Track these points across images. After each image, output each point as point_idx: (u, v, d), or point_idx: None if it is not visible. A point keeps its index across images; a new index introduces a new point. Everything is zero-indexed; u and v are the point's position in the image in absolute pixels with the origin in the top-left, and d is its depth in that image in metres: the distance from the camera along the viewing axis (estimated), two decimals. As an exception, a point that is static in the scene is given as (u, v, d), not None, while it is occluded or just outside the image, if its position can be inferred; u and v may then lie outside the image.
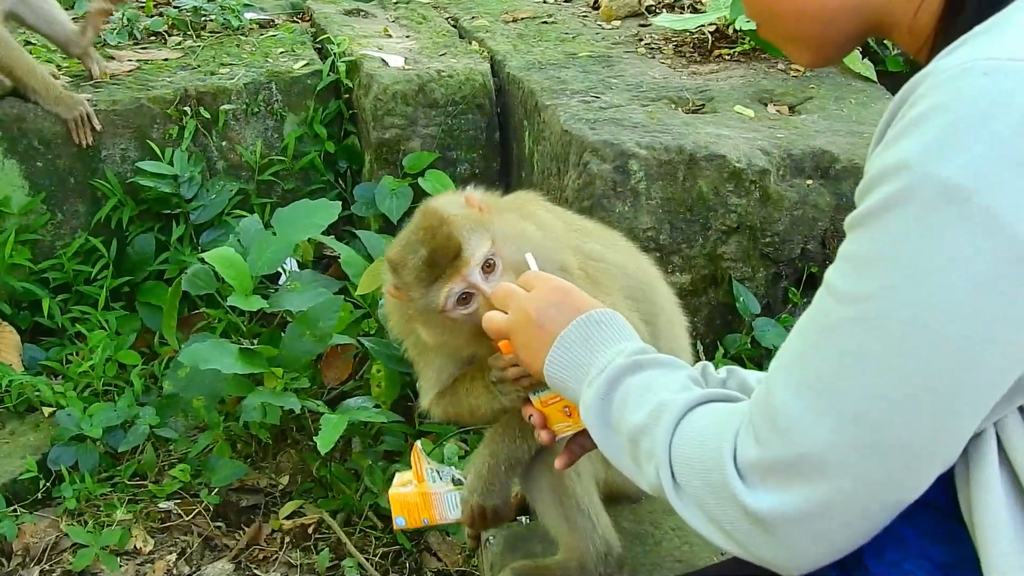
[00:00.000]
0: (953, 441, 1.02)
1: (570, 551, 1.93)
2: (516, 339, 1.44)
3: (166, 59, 4.04)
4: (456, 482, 1.96)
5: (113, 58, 3.98)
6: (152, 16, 4.38)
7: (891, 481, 1.02)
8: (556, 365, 1.36)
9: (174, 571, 2.75)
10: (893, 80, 3.51)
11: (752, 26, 1.25)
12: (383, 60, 3.83)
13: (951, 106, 0.95)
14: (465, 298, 1.62)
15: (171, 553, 2.80)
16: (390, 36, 4.20)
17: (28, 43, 3.96)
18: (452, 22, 4.47)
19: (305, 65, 3.96)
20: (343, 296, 2.97)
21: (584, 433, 1.49)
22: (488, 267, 1.62)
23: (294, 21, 4.55)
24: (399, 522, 1.99)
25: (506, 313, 1.46)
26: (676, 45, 3.93)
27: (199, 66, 3.98)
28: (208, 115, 3.76)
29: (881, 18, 1.17)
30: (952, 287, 0.95)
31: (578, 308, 1.39)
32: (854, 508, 1.04)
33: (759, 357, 2.97)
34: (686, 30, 3.93)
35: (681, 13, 4.13)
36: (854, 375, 1.00)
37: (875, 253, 0.99)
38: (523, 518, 2.26)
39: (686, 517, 1.17)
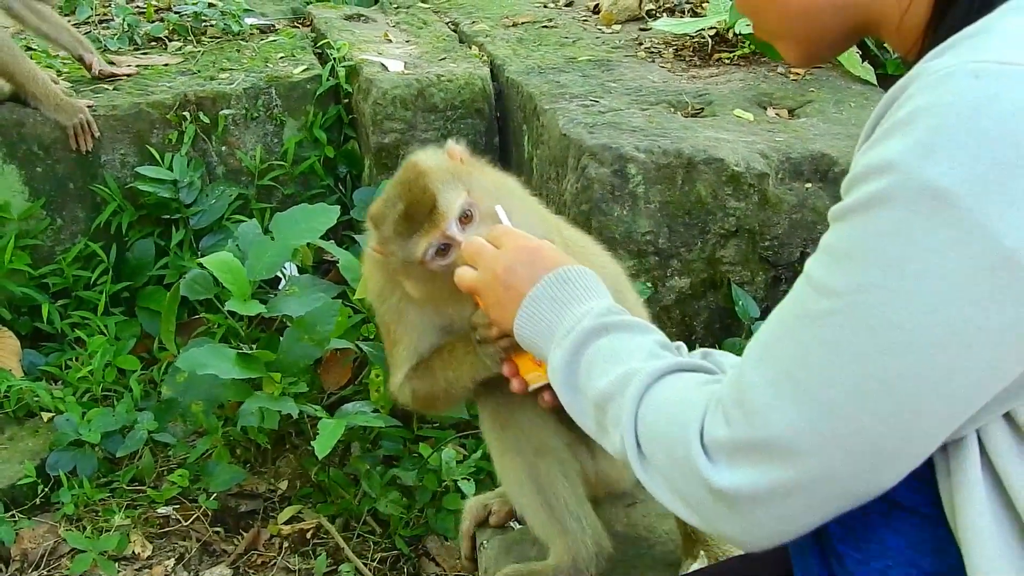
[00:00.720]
0: (920, 442, 1.01)
1: (561, 553, 1.91)
2: (485, 298, 1.46)
3: (166, 64, 4.06)
4: None
5: (113, 63, 3.99)
6: (153, 21, 4.40)
7: (854, 474, 1.03)
8: (525, 325, 1.38)
9: (172, 576, 2.76)
10: (893, 83, 3.51)
11: (752, 29, 1.26)
12: (383, 65, 3.84)
13: (938, 108, 0.94)
14: (444, 249, 1.64)
15: (169, 558, 2.81)
16: (390, 41, 4.21)
17: (29, 49, 3.98)
18: (452, 27, 4.48)
19: (305, 70, 3.97)
20: (342, 301, 2.97)
21: None
22: (465, 218, 1.63)
23: (295, 26, 4.57)
24: None
25: (476, 269, 1.47)
26: (676, 49, 3.94)
27: (199, 71, 3.99)
28: (208, 120, 3.77)
29: (869, 18, 1.17)
30: (928, 290, 0.94)
31: (547, 266, 1.39)
32: (817, 494, 1.04)
33: (758, 361, 2.96)
34: (686, 34, 3.93)
35: (681, 17, 4.13)
36: (825, 367, 1.00)
37: (855, 249, 0.99)
38: (515, 524, 2.26)
39: (650, 487, 1.18)
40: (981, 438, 1.03)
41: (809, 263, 1.05)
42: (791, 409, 1.02)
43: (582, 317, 1.32)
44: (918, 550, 1.12)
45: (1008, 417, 1.02)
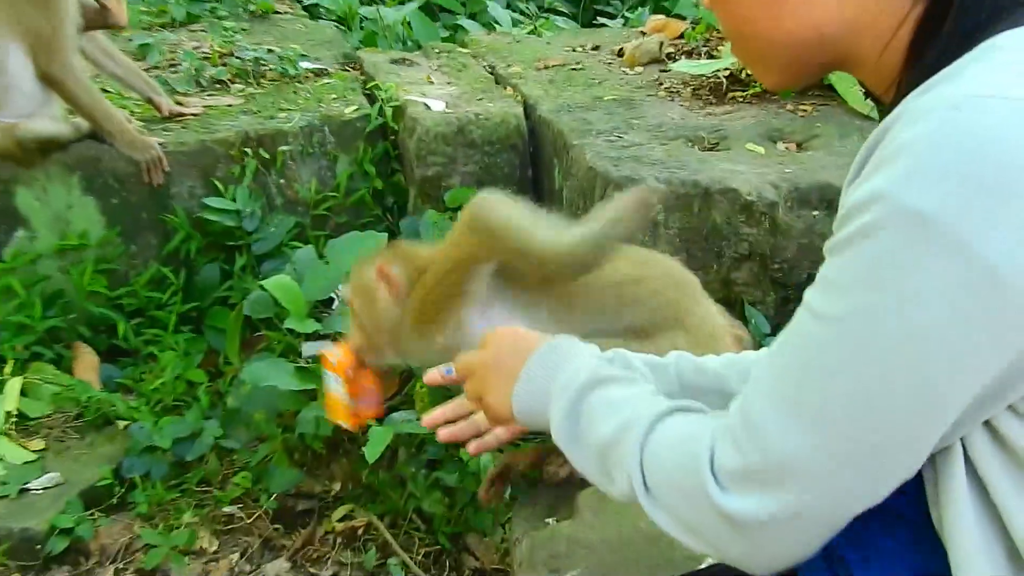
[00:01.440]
0: (915, 452, 1.04)
1: None
2: (484, 393, 1.48)
3: (229, 105, 4.18)
4: None
5: (181, 103, 4.14)
6: (217, 66, 4.54)
7: (857, 489, 1.05)
8: (523, 395, 1.40)
9: (236, 569, 2.84)
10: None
11: (730, 51, 1.34)
12: (426, 104, 3.95)
13: (919, 139, 0.96)
14: None
15: (234, 552, 2.87)
16: (432, 83, 4.34)
17: (104, 91, 4.07)
18: (489, 69, 4.62)
19: (355, 110, 4.06)
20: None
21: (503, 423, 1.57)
22: None
23: (345, 70, 4.67)
24: None
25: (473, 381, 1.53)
26: (693, 89, 4.03)
27: (259, 111, 4.09)
28: (267, 155, 3.84)
29: (847, 55, 1.18)
30: (915, 307, 0.96)
31: (530, 342, 1.43)
32: (824, 513, 1.06)
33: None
34: (703, 75, 4.03)
35: (698, 59, 4.24)
36: (824, 389, 1.02)
37: (849, 277, 1.01)
38: (551, 520, 2.35)
39: (658, 520, 1.19)
40: (965, 446, 1.05)
41: (807, 293, 1.07)
42: (793, 432, 1.03)
43: (578, 371, 1.33)
44: (915, 554, 1.15)
45: (988, 425, 1.03)
